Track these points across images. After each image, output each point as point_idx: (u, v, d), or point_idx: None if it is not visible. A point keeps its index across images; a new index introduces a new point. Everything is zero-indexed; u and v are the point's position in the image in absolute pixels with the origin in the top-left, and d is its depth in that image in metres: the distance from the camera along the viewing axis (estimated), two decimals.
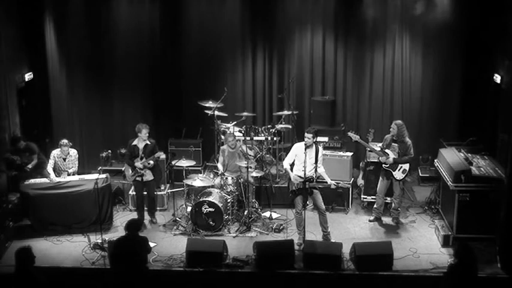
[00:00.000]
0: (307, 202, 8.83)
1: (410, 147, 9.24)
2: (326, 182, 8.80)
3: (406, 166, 9.27)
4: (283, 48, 11.70)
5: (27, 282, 6.15)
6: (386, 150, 9.27)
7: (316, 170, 8.71)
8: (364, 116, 11.71)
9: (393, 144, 9.27)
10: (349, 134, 9.38)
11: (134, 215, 9.62)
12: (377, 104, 11.63)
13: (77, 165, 9.83)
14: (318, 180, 8.88)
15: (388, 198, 9.69)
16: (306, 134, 8.62)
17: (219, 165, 9.95)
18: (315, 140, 8.67)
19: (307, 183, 8.53)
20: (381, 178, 9.48)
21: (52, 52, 11.49)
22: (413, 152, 9.33)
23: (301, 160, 8.60)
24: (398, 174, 9.28)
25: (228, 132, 10.33)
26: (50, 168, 9.55)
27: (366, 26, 11.29)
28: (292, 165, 8.89)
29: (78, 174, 9.76)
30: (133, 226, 7.14)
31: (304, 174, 8.51)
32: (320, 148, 8.83)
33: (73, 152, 9.76)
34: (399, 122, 9.34)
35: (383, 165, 9.31)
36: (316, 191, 8.75)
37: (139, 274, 6.90)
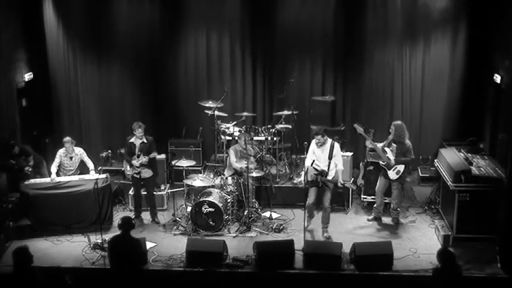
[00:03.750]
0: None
1: (409, 149, 9.26)
2: (335, 182, 8.91)
3: (401, 167, 9.26)
4: (284, 47, 11.69)
5: (25, 282, 6.14)
6: (386, 149, 9.29)
7: (329, 165, 8.79)
8: (364, 116, 11.69)
9: (393, 144, 9.28)
10: (355, 125, 9.42)
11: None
12: (377, 104, 11.62)
13: (90, 161, 9.79)
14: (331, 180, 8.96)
15: (387, 199, 9.70)
16: (316, 137, 8.85)
17: (234, 164, 9.78)
18: (325, 138, 8.87)
19: (319, 176, 8.68)
20: (379, 177, 9.51)
21: (52, 52, 11.52)
22: (413, 154, 9.35)
23: (317, 156, 8.81)
24: (392, 174, 9.28)
25: (243, 131, 10.38)
26: (53, 167, 9.53)
27: (366, 27, 11.28)
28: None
29: (78, 174, 9.76)
30: (127, 224, 7.02)
31: (318, 168, 8.58)
32: (336, 144, 8.94)
33: (79, 151, 9.75)
34: (397, 123, 9.34)
35: (380, 162, 9.33)
36: (328, 188, 8.85)
37: (132, 275, 6.86)
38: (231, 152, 9.92)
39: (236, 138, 10.34)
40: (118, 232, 7.03)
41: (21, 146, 10.00)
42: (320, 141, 8.82)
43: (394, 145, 9.26)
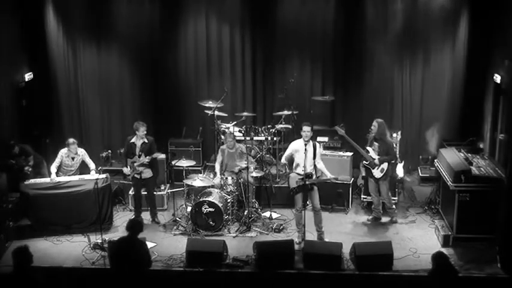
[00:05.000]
0: (307, 202, 8.85)
1: (391, 147, 9.32)
2: (328, 180, 8.82)
3: (385, 165, 9.28)
4: (284, 47, 11.68)
5: (25, 282, 6.14)
6: (368, 148, 9.30)
7: (315, 166, 8.73)
8: (364, 116, 11.68)
9: (374, 143, 9.30)
10: (336, 127, 9.45)
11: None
12: (377, 103, 11.60)
13: (91, 161, 9.80)
14: (319, 178, 8.92)
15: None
16: (304, 128, 8.61)
17: (217, 165, 9.93)
18: (311, 134, 8.71)
19: (307, 179, 8.56)
20: (368, 178, 9.53)
21: (52, 52, 11.52)
22: (396, 152, 9.47)
23: (302, 158, 8.62)
24: (376, 173, 9.30)
25: (228, 132, 10.33)
26: (53, 167, 9.53)
27: (367, 26, 11.28)
28: (290, 163, 8.93)
29: (78, 174, 9.77)
30: (137, 227, 7.07)
31: (305, 171, 8.53)
32: (317, 144, 8.87)
33: (80, 152, 9.76)
34: (380, 120, 9.34)
35: (363, 162, 9.34)
36: (316, 187, 8.78)
37: (137, 277, 6.86)
38: (219, 152, 9.98)
39: (223, 140, 10.36)
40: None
41: (21, 146, 10.00)
42: (308, 136, 8.60)
43: (376, 144, 9.28)
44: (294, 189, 8.75)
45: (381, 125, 9.23)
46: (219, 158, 9.98)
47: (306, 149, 8.57)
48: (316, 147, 8.75)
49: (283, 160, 9.03)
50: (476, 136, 10.89)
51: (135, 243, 6.95)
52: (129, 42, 11.66)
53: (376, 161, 9.22)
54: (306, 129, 8.61)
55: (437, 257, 6.58)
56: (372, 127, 9.30)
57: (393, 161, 9.55)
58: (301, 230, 8.77)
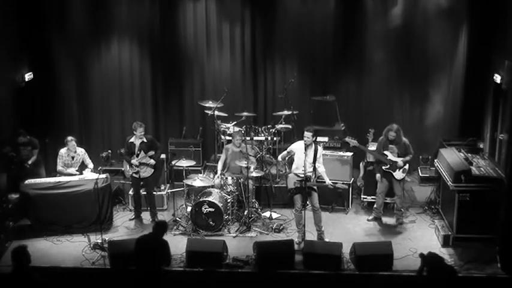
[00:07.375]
0: (307, 202, 8.85)
1: (409, 146, 9.30)
2: (324, 182, 8.83)
3: (406, 165, 9.28)
4: (284, 47, 11.68)
5: (24, 282, 6.15)
6: (385, 152, 9.27)
7: (314, 170, 8.73)
8: (364, 116, 11.69)
9: (390, 145, 9.27)
10: (347, 139, 9.42)
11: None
12: (377, 103, 11.61)
13: (91, 161, 9.86)
14: (318, 180, 8.93)
15: (388, 199, 9.70)
16: (305, 133, 8.67)
17: (219, 163, 9.93)
18: (314, 139, 8.71)
19: (303, 183, 8.56)
20: (381, 180, 9.45)
21: (53, 52, 11.50)
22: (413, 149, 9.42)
23: (301, 160, 8.62)
24: (398, 174, 9.28)
25: (237, 129, 10.33)
26: (59, 168, 9.63)
27: (367, 26, 11.27)
28: (290, 164, 8.94)
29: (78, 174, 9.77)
30: (164, 228, 7.17)
31: (304, 174, 8.53)
32: (319, 148, 8.86)
33: (80, 151, 9.80)
34: (396, 126, 9.25)
35: (383, 167, 9.31)
36: (313, 190, 8.78)
37: (153, 275, 6.90)
38: (223, 151, 9.97)
39: (223, 140, 10.34)
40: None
41: (30, 137, 10.08)
42: (308, 140, 8.63)
43: (392, 146, 9.25)
44: (292, 190, 8.77)
45: (398, 132, 9.17)
46: (222, 156, 9.97)
47: (306, 153, 8.60)
48: (318, 151, 8.76)
49: (279, 158, 9.12)
50: (476, 136, 10.88)
51: (162, 242, 7.05)
52: (130, 41, 11.65)
53: (400, 163, 9.19)
54: (307, 135, 8.65)
55: (429, 257, 6.55)
56: (391, 136, 9.16)
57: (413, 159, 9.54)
58: (301, 230, 8.77)
